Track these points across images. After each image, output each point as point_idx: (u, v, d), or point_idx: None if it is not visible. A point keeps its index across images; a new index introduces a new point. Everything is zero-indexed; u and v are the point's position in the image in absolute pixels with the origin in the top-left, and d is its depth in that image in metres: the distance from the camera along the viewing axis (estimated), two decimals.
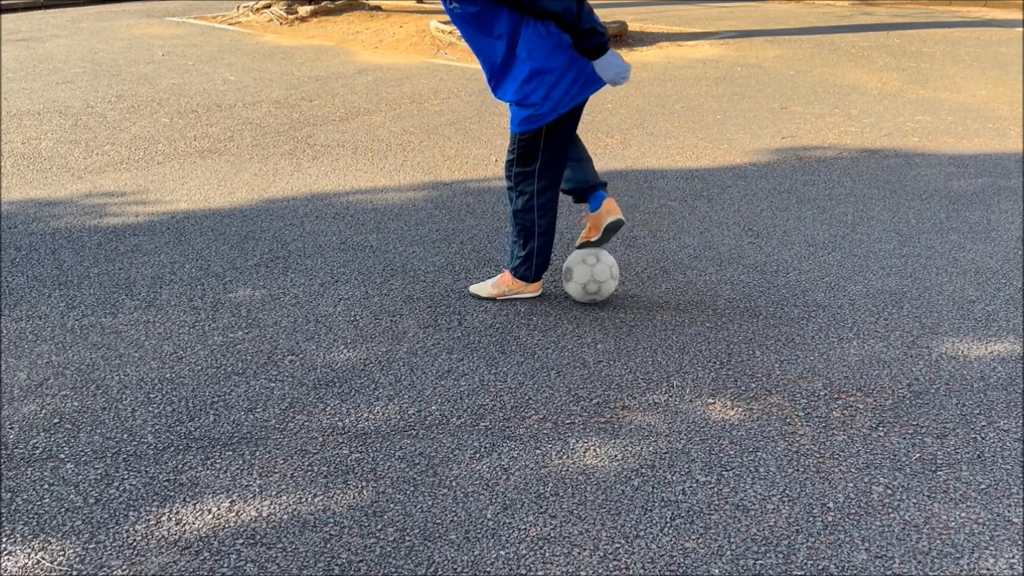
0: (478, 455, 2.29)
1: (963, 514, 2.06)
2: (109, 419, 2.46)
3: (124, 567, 1.90)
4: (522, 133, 2.84)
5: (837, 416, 2.46)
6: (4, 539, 1.99)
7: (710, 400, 2.55)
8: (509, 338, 2.92)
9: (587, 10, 2.63)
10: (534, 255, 3.06)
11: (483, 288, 3.21)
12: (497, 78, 2.83)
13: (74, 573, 1.89)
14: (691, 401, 2.54)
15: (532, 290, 3.18)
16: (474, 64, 7.84)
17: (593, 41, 2.65)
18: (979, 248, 3.66)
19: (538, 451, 2.31)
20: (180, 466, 2.25)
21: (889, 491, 2.14)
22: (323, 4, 10.69)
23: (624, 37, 8.94)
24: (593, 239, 3.09)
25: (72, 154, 5.11)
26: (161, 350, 2.85)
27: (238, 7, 11.13)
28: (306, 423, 2.44)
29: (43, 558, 1.93)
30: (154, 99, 6.51)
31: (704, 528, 2.01)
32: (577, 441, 2.35)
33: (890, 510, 2.08)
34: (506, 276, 3.18)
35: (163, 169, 4.82)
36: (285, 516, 2.07)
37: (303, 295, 3.25)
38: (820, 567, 1.90)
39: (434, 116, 5.97)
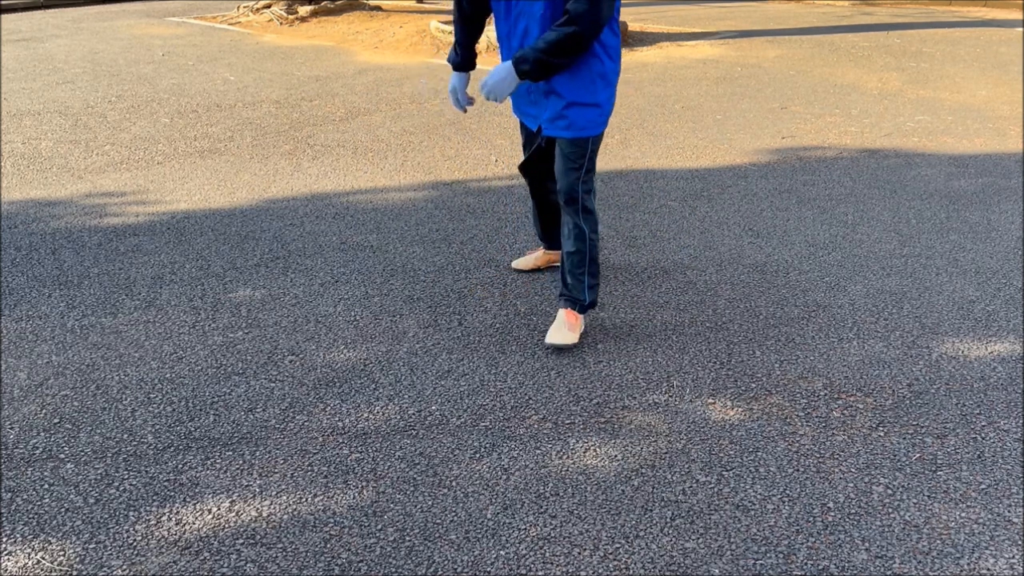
0: (478, 455, 2.29)
1: (963, 514, 2.06)
2: (109, 419, 2.46)
3: (124, 567, 1.90)
4: (595, 136, 2.64)
5: (837, 416, 2.46)
6: (4, 539, 1.99)
7: (710, 400, 2.55)
8: (509, 338, 2.92)
9: (555, 42, 2.40)
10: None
11: (562, 335, 2.83)
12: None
13: (74, 573, 1.89)
14: (691, 401, 2.54)
15: None
16: None
17: (536, 58, 2.41)
18: (979, 248, 3.66)
19: (538, 451, 2.31)
20: (180, 466, 2.25)
21: (889, 491, 2.14)
22: (323, 4, 10.70)
23: (624, 37, 8.94)
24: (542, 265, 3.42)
25: (72, 154, 5.11)
26: (161, 350, 2.85)
27: (238, 7, 11.13)
28: (306, 423, 2.44)
29: (43, 558, 1.93)
30: (154, 99, 6.51)
31: (704, 528, 2.01)
32: (577, 441, 2.35)
33: (890, 510, 2.08)
34: (571, 314, 2.86)
35: (163, 169, 4.82)
36: (285, 516, 2.07)
37: (303, 295, 3.25)
38: (820, 567, 1.90)
39: (434, 116, 5.97)
